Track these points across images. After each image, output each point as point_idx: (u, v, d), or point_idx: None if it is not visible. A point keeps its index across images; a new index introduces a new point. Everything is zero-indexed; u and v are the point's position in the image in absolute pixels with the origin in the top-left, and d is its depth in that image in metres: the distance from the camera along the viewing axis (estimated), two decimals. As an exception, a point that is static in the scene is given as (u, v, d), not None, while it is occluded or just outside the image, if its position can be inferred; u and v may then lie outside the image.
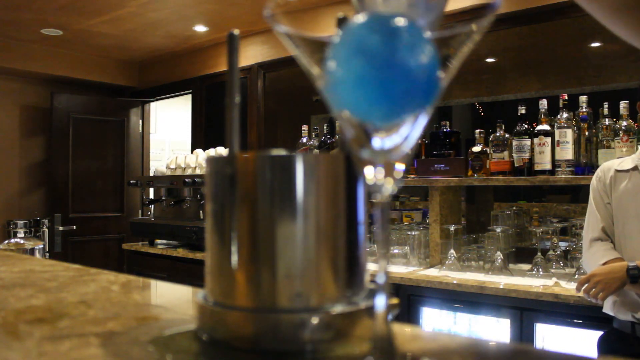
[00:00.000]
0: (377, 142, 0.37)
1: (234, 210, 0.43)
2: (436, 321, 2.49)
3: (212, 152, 3.75)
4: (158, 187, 3.82)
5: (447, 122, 2.99)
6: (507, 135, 2.65)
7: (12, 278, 0.76)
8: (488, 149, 2.70)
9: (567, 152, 2.44)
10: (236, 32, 0.46)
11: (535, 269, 2.42)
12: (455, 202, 2.93)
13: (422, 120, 0.37)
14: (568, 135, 2.44)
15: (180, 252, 3.51)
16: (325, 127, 3.37)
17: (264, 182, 0.43)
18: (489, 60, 4.17)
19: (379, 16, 0.36)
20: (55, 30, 4.27)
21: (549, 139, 2.49)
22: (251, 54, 4.33)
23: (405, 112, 0.36)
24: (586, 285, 1.81)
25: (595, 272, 1.81)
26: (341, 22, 0.43)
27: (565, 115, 2.46)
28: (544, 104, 2.55)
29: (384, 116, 0.36)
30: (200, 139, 4.85)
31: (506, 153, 2.64)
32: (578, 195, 3.64)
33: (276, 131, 4.67)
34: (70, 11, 3.86)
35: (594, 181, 1.97)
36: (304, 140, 3.37)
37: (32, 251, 1.72)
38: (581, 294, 1.84)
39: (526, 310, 2.21)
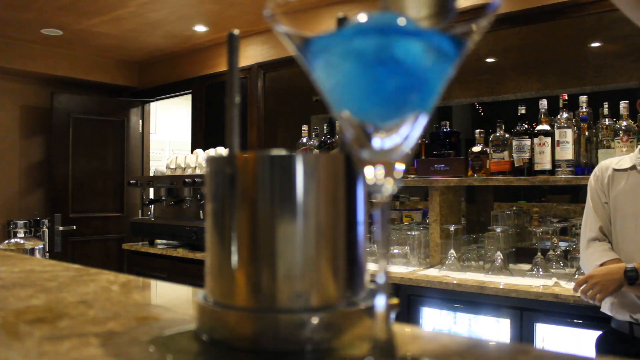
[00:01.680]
0: (377, 142, 0.37)
1: (234, 210, 0.43)
2: (436, 321, 2.49)
3: (212, 152, 3.75)
4: (158, 187, 3.82)
5: (447, 122, 2.99)
6: (507, 135, 2.65)
7: (12, 278, 0.76)
8: (488, 149, 2.70)
9: (567, 152, 2.44)
10: (236, 32, 0.46)
11: (535, 269, 2.42)
12: (455, 202, 2.93)
13: (422, 120, 0.37)
14: (568, 135, 2.44)
15: (180, 252, 3.51)
16: (325, 127, 3.37)
17: (264, 182, 0.43)
18: (489, 60, 4.18)
19: (378, 16, 0.36)
20: (55, 30, 4.27)
21: (549, 139, 2.49)
22: (251, 54, 4.33)
23: (405, 113, 0.36)
24: (584, 286, 1.81)
25: (593, 273, 1.81)
26: (341, 22, 0.43)
27: (565, 115, 2.46)
28: (544, 104, 2.55)
29: (383, 116, 0.36)
30: (200, 139, 4.85)
31: (506, 153, 2.64)
32: (578, 195, 3.64)
33: (276, 131, 4.67)
34: (70, 11, 3.86)
35: (592, 180, 1.97)
36: (304, 140, 3.37)
37: (32, 251, 1.72)
38: (579, 294, 1.84)
39: (526, 310, 2.21)
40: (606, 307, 1.86)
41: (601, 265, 1.82)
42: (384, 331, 0.38)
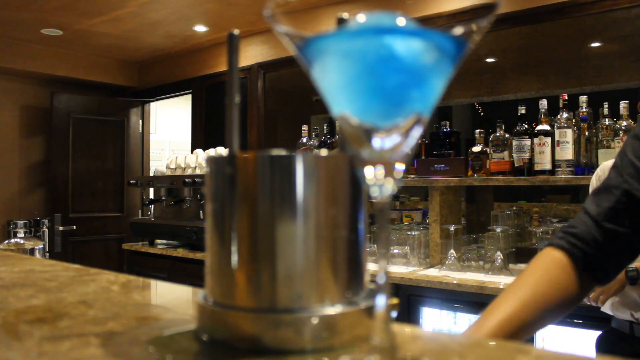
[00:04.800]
0: (377, 142, 0.37)
1: (234, 210, 0.43)
2: (436, 321, 2.49)
3: (212, 152, 3.75)
4: (158, 187, 3.82)
5: (447, 122, 2.99)
6: (507, 135, 2.65)
7: (12, 278, 0.76)
8: (488, 149, 2.70)
9: (567, 152, 2.44)
10: (236, 32, 0.46)
11: (535, 269, 2.42)
12: (455, 202, 2.92)
13: (423, 121, 0.37)
14: (568, 135, 2.44)
15: (180, 252, 3.51)
16: (325, 127, 3.37)
17: (264, 182, 0.43)
18: (489, 60, 4.17)
19: (378, 16, 0.36)
20: (55, 30, 4.27)
21: (549, 139, 2.49)
22: (251, 54, 4.33)
23: (405, 113, 0.36)
24: None
25: None
26: (341, 22, 0.43)
27: (565, 115, 2.46)
28: (544, 104, 2.55)
29: (383, 116, 0.36)
30: (200, 139, 4.85)
31: (506, 153, 2.64)
32: (578, 195, 3.64)
33: (276, 131, 4.67)
34: (70, 11, 3.86)
35: (594, 180, 1.97)
36: (304, 140, 3.38)
37: (32, 251, 1.72)
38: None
39: (526, 310, 2.20)
40: (607, 306, 1.86)
41: None
42: (384, 331, 0.38)
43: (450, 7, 3.05)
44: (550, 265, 0.91)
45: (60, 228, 4.78)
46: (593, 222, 0.90)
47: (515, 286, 0.89)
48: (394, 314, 0.45)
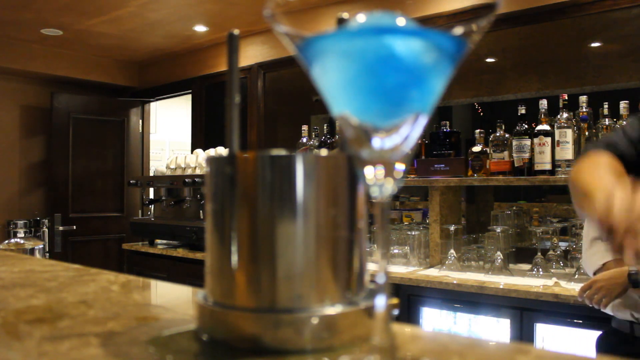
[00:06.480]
0: (377, 142, 0.37)
1: (234, 210, 0.43)
2: (436, 321, 2.49)
3: (212, 152, 3.75)
4: (158, 187, 3.82)
5: (447, 122, 2.99)
6: (507, 135, 2.65)
7: (12, 278, 0.76)
8: (488, 149, 2.70)
9: (567, 152, 2.44)
10: (236, 32, 0.46)
11: (535, 269, 2.42)
12: (455, 202, 2.92)
13: (422, 121, 0.37)
14: (568, 135, 2.44)
15: (180, 252, 3.51)
16: (325, 127, 3.37)
17: (264, 182, 0.43)
18: (489, 60, 4.17)
19: (378, 16, 0.36)
20: (55, 30, 4.27)
21: (549, 139, 2.49)
22: (251, 54, 4.33)
23: (405, 113, 0.36)
24: (588, 291, 1.81)
25: (597, 278, 1.81)
26: (341, 22, 0.43)
27: (565, 115, 2.46)
28: (544, 104, 2.55)
29: (383, 116, 0.36)
30: (200, 139, 4.85)
31: (506, 153, 2.64)
32: (578, 195, 3.63)
33: (276, 131, 4.67)
34: (70, 11, 3.86)
35: None
36: (304, 140, 3.37)
37: (32, 251, 1.72)
38: (585, 301, 1.84)
39: (526, 310, 2.21)
40: (607, 306, 1.86)
41: (603, 265, 1.82)
42: (384, 331, 0.38)
43: (450, 7, 3.05)
44: (610, 160, 1.21)
45: (60, 228, 4.78)
46: (632, 144, 1.25)
47: (597, 171, 1.15)
48: (395, 313, 0.45)
